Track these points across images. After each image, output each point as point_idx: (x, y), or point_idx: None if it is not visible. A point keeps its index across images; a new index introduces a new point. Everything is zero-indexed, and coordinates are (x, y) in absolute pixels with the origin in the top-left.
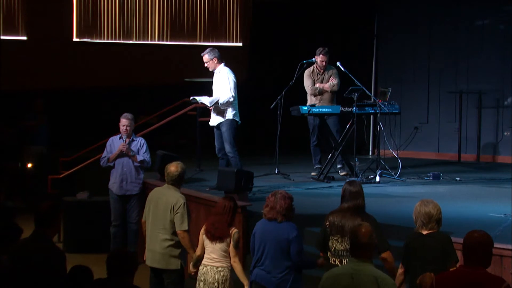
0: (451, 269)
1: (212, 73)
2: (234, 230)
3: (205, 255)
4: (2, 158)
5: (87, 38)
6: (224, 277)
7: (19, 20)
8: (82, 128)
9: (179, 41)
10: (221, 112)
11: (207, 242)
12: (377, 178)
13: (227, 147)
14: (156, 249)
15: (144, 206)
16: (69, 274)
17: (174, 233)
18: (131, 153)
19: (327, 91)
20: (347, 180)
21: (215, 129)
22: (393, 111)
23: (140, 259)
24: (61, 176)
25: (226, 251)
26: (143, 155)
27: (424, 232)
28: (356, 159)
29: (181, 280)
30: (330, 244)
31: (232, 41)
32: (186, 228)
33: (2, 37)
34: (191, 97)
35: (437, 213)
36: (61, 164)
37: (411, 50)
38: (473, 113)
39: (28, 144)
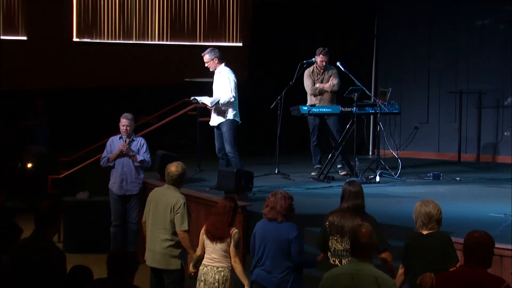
0: (451, 269)
1: (212, 73)
2: (234, 230)
3: (206, 255)
4: (2, 158)
5: (87, 38)
6: (224, 277)
7: (19, 20)
8: (82, 128)
9: (179, 41)
10: (221, 112)
11: (207, 242)
12: (377, 178)
13: (228, 147)
14: (156, 249)
15: (144, 206)
16: (69, 274)
17: (174, 233)
18: (131, 153)
19: (327, 91)
20: (347, 180)
21: (215, 129)
22: (393, 111)
23: (140, 259)
24: (61, 176)
25: (227, 251)
26: (143, 155)
27: (424, 232)
28: (356, 159)
29: (182, 280)
30: (330, 244)
31: (232, 41)
32: (186, 228)
33: (2, 37)
34: (192, 97)
35: (437, 213)
36: (61, 164)
37: (411, 50)
38: (473, 113)
39: (28, 144)
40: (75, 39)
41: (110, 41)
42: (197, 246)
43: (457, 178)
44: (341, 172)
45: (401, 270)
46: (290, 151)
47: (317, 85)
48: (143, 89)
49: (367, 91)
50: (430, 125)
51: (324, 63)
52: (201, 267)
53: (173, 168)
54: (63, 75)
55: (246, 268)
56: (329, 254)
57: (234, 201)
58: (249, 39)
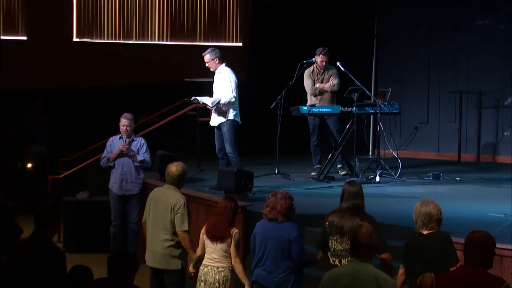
0: (451, 269)
1: (212, 73)
2: (235, 231)
3: (206, 255)
4: (2, 158)
5: (87, 38)
6: (224, 278)
7: (19, 20)
8: (82, 128)
9: (179, 41)
10: (222, 112)
11: (207, 242)
12: (377, 178)
13: (228, 148)
14: (156, 250)
15: (144, 206)
16: (69, 274)
17: (175, 233)
18: (131, 153)
19: (327, 91)
20: (347, 180)
21: (215, 129)
22: (393, 111)
23: (140, 259)
24: (61, 176)
25: (227, 251)
26: (143, 155)
27: (425, 232)
28: (356, 159)
29: (182, 280)
30: (329, 244)
31: (232, 41)
32: (186, 228)
33: (2, 37)
34: (193, 98)
35: (437, 213)
36: (61, 164)
37: (411, 50)
38: (473, 113)
39: (28, 144)
40: (75, 39)
41: (110, 41)
42: (197, 246)
43: (457, 178)
44: (341, 172)
45: (401, 270)
46: (290, 151)
47: (317, 85)
48: (143, 89)
49: (367, 91)
50: (430, 125)
51: (324, 63)
52: (201, 267)
53: (174, 168)
54: (63, 75)
55: (246, 268)
56: (329, 254)
57: (235, 201)
58: (249, 39)
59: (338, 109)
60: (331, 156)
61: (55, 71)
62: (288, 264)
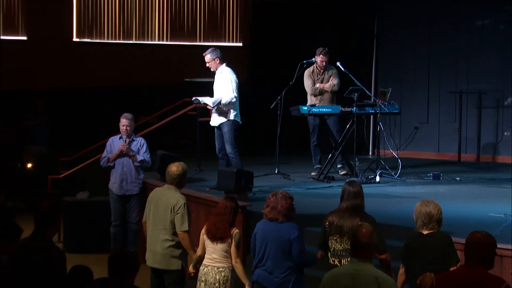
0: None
1: (212, 73)
2: (235, 231)
3: (206, 255)
4: (2, 158)
5: (87, 38)
6: (225, 278)
7: (19, 20)
8: (82, 128)
9: (179, 41)
10: (223, 112)
11: (208, 243)
12: (377, 178)
13: (228, 148)
14: (157, 250)
15: (144, 206)
16: (69, 274)
17: (175, 233)
18: (131, 153)
19: (327, 91)
20: (347, 180)
21: (215, 129)
22: (393, 111)
23: (140, 260)
24: (61, 176)
25: (227, 252)
26: (143, 155)
27: (425, 232)
28: (356, 159)
29: (182, 280)
30: (329, 244)
31: (232, 41)
32: (186, 228)
33: (2, 37)
34: (193, 98)
35: (437, 213)
36: (61, 164)
37: (411, 50)
38: (473, 113)
39: (28, 144)
40: (75, 39)
41: (110, 41)
42: (197, 246)
43: (457, 178)
44: (341, 172)
45: (401, 270)
46: (290, 151)
47: (317, 85)
48: (143, 89)
49: (367, 91)
50: (430, 125)
51: (324, 63)
52: (201, 268)
53: (174, 168)
54: (63, 75)
55: (246, 268)
56: (329, 254)
57: (235, 201)
58: (249, 39)
59: (338, 109)
60: (331, 156)
61: (55, 71)
62: (288, 264)
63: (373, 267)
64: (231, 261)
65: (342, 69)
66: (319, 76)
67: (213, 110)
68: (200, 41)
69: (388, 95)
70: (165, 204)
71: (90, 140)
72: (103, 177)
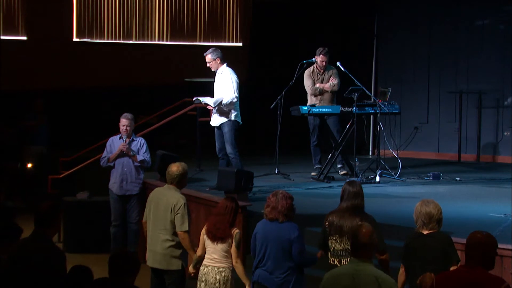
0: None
1: (212, 73)
2: (235, 231)
3: (206, 255)
4: (2, 158)
5: (87, 38)
6: (225, 278)
7: (19, 20)
8: (82, 128)
9: (179, 41)
10: (223, 112)
11: (208, 243)
12: (377, 178)
13: (228, 148)
14: (157, 250)
15: (144, 206)
16: (69, 274)
17: (175, 233)
18: (131, 153)
19: (327, 91)
20: (347, 180)
21: (216, 129)
22: (393, 111)
23: (141, 260)
24: (61, 176)
25: (228, 252)
26: (143, 155)
27: (425, 232)
28: (356, 159)
29: (182, 280)
30: (329, 244)
31: (232, 41)
32: (187, 228)
33: (2, 37)
34: (194, 98)
35: (437, 213)
36: (61, 164)
37: (411, 50)
38: (473, 113)
39: (28, 144)
40: (75, 39)
41: (110, 41)
42: (198, 246)
43: (457, 178)
44: (341, 172)
45: (401, 270)
46: (290, 151)
47: (317, 85)
48: (143, 89)
49: (367, 91)
50: (430, 125)
51: (324, 63)
52: (202, 268)
53: (174, 168)
54: (63, 75)
55: (246, 268)
56: (328, 254)
57: (235, 202)
58: (249, 39)
59: (338, 109)
60: (331, 156)
61: (55, 71)
62: (289, 264)
63: (373, 267)
64: (232, 261)
65: (342, 69)
66: (319, 76)
67: (214, 110)
68: (200, 41)
69: (388, 95)
70: (165, 204)
71: (90, 140)
72: (103, 177)
